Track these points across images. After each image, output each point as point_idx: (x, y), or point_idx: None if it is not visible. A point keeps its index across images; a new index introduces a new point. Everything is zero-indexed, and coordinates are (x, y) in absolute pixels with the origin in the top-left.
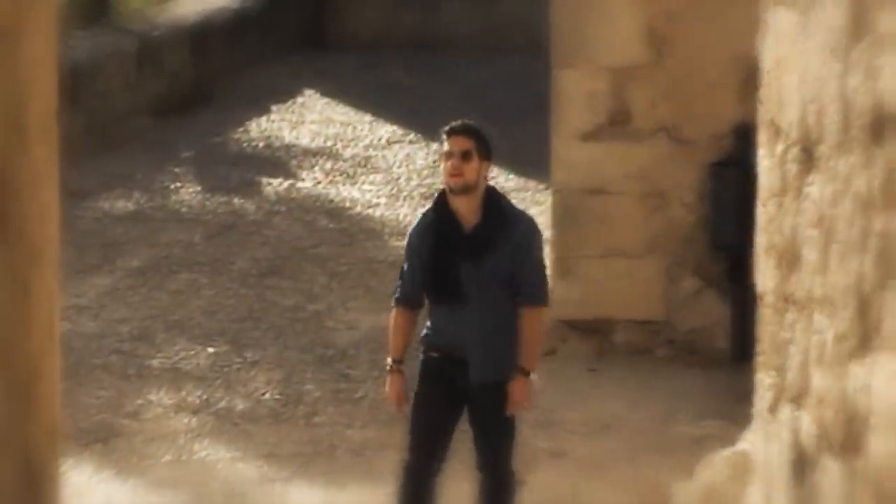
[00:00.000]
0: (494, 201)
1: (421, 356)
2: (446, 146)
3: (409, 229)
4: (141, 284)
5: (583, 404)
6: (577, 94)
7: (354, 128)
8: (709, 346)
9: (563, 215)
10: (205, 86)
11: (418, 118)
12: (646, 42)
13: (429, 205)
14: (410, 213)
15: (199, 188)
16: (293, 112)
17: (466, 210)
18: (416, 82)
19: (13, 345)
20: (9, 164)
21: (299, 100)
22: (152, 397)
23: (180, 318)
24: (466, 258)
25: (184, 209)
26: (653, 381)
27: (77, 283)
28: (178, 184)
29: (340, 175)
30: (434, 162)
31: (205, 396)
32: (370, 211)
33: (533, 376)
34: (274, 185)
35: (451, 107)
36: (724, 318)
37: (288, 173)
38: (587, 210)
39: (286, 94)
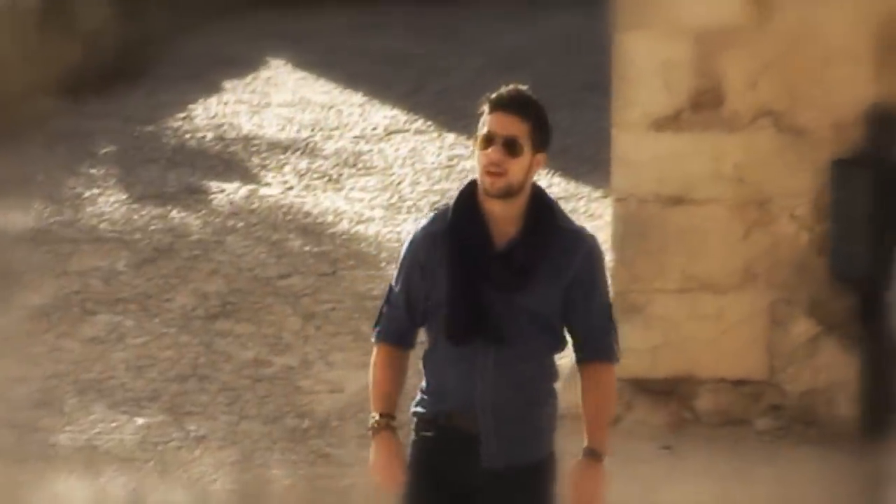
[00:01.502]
0: (543, 209)
1: (412, 436)
2: (485, 125)
3: (413, 233)
4: (44, 330)
5: (653, 497)
6: (648, 67)
7: (340, 113)
8: (829, 414)
9: (628, 233)
10: (133, 54)
11: (427, 99)
12: None
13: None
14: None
15: (123, 196)
16: (254, 91)
17: (503, 217)
18: (425, 50)
19: None
20: None
21: (263, 73)
22: (60, 488)
23: (98, 377)
24: (498, 286)
25: (102, 226)
26: (750, 465)
27: None
28: (95, 190)
29: (320, 178)
30: (450, 160)
31: (132, 485)
32: (361, 228)
33: (606, 461)
34: (228, 193)
35: (472, 84)
36: (852, 376)
37: (247, 176)
38: (661, 226)
39: (245, 65)
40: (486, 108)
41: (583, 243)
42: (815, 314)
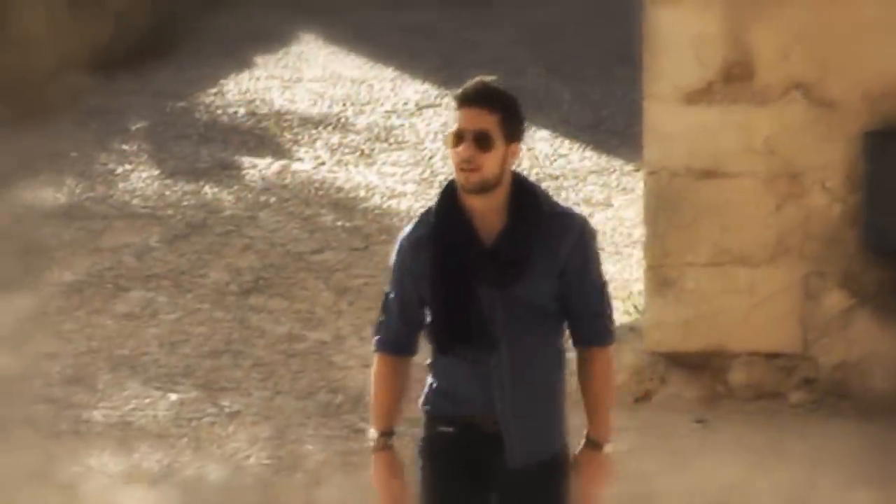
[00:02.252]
0: (527, 197)
1: (423, 431)
2: (455, 122)
3: (400, 239)
4: (77, 307)
5: (687, 470)
6: (679, 40)
7: (371, 87)
8: (863, 387)
9: (660, 207)
10: (163, 30)
11: (458, 73)
12: None
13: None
14: None
15: (155, 172)
16: (286, 66)
17: (485, 212)
18: (456, 24)
19: None
20: None
21: (294, 49)
22: (93, 462)
23: (131, 353)
24: (489, 283)
25: (135, 202)
26: (784, 438)
27: None
28: (127, 166)
29: (352, 153)
30: None
31: (166, 461)
32: (393, 202)
33: (608, 449)
34: (260, 168)
35: (502, 58)
36: (886, 349)
37: (279, 151)
38: (693, 199)
39: (275, 40)
40: (455, 104)
41: (572, 225)
42: (848, 286)
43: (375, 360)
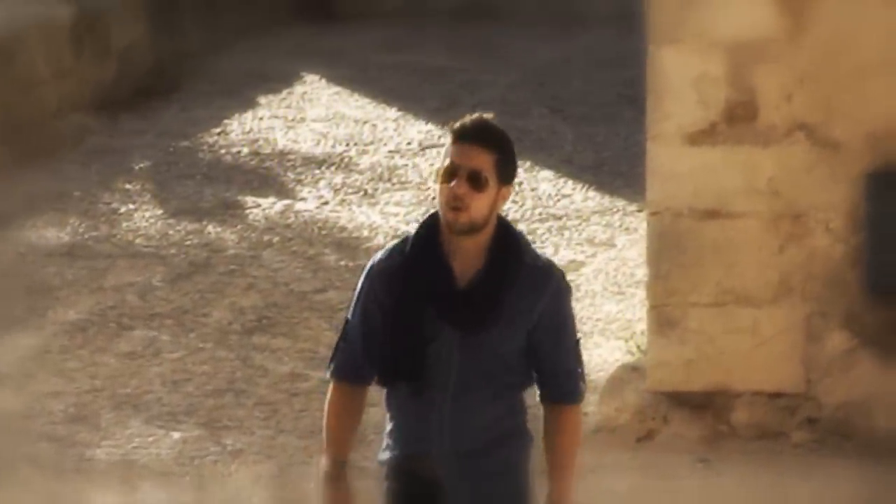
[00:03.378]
0: (509, 244)
1: (384, 486)
2: (448, 157)
3: (370, 264)
4: (80, 345)
5: None
6: (682, 81)
7: (374, 127)
8: (866, 427)
9: (663, 247)
10: (167, 70)
11: (461, 114)
12: (778, 7)
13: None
14: None
15: (159, 212)
16: (289, 106)
17: (465, 252)
18: (460, 65)
19: None
20: None
21: (298, 89)
22: (97, 500)
23: (134, 392)
24: (454, 325)
25: (138, 241)
26: (787, 478)
27: None
28: (131, 206)
29: (355, 193)
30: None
31: (169, 500)
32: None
33: None
34: (263, 208)
35: (506, 98)
36: (888, 389)
37: (282, 191)
38: (696, 239)
39: (280, 80)
40: (450, 139)
41: (550, 281)
42: (851, 327)
43: (331, 388)
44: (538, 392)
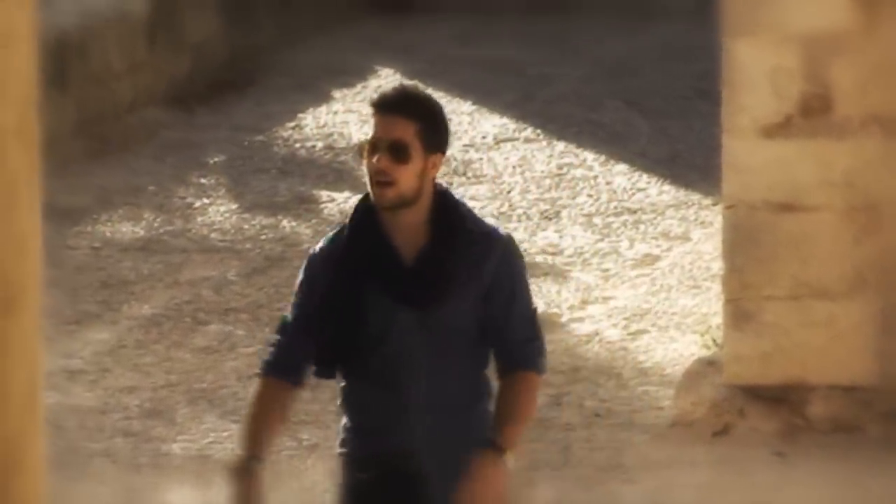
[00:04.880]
0: (450, 213)
1: (340, 477)
2: (371, 130)
3: (310, 252)
4: (155, 340)
5: (766, 503)
6: (757, 74)
7: (449, 121)
8: None
9: (739, 240)
10: (242, 64)
11: (536, 108)
12: (853, 0)
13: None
14: (526, 239)
15: (234, 206)
16: (364, 100)
17: (405, 228)
18: (533, 59)
19: None
20: None
21: (372, 83)
22: (172, 496)
23: (209, 387)
24: (408, 305)
25: (213, 235)
26: (864, 472)
27: (68, 338)
28: (206, 200)
29: None
30: (559, 168)
31: None
32: None
33: (508, 459)
34: (338, 202)
35: (581, 92)
36: None
37: (357, 185)
38: (772, 233)
39: (354, 74)
40: (371, 110)
41: (496, 245)
42: None
43: (258, 383)
44: (497, 369)
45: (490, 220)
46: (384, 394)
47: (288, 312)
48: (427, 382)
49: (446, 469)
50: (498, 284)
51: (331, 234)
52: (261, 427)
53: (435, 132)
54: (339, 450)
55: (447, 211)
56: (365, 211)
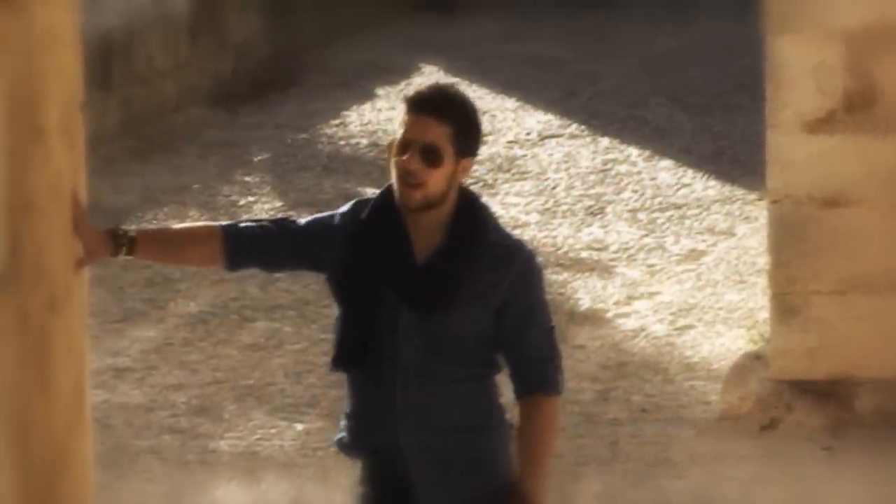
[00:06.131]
0: (472, 220)
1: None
2: (401, 128)
3: (338, 211)
4: (202, 338)
5: (814, 499)
6: (801, 69)
7: (493, 118)
8: None
9: (784, 235)
10: (285, 62)
11: (580, 104)
12: None
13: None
14: (572, 235)
15: (278, 204)
16: None
17: (424, 227)
18: (577, 55)
19: (28, 422)
20: (19, 177)
21: (416, 80)
22: (220, 493)
23: (257, 384)
24: (414, 308)
25: None
26: None
27: (115, 336)
28: (251, 198)
29: (474, 183)
30: (604, 164)
31: (293, 492)
32: (516, 233)
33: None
34: None
35: (624, 88)
36: None
37: None
38: (817, 227)
39: (398, 72)
40: (402, 107)
41: (515, 260)
42: None
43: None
44: (513, 390)
45: (514, 235)
46: (375, 390)
47: (303, 241)
48: (416, 387)
49: (435, 469)
50: (513, 300)
51: (355, 204)
52: (168, 231)
53: (468, 136)
54: (338, 435)
55: (469, 217)
56: (387, 202)
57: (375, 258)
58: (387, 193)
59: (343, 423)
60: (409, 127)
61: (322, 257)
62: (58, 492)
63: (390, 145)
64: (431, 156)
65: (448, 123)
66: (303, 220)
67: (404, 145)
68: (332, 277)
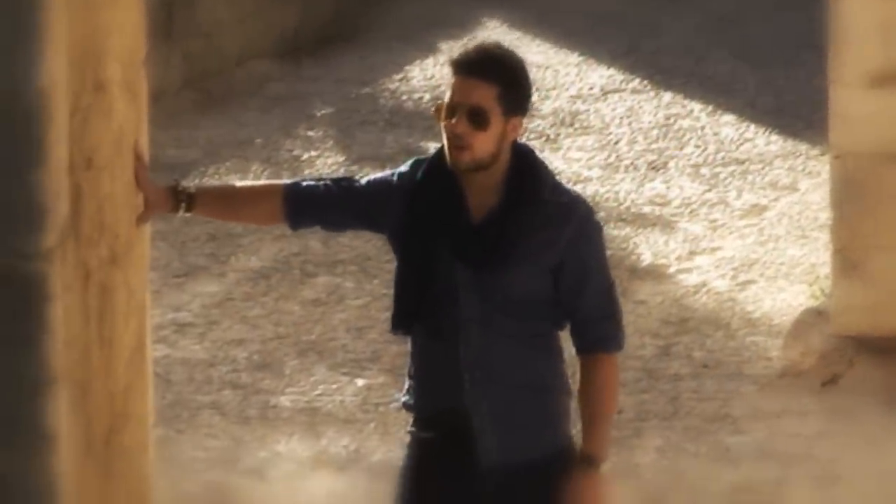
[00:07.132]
0: (527, 178)
1: (408, 435)
2: (448, 91)
3: (400, 169)
4: (263, 293)
5: (876, 454)
6: (865, 24)
7: (556, 73)
8: None
9: (847, 191)
10: (348, 16)
11: (644, 59)
12: None
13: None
14: (634, 190)
15: (341, 159)
16: None
17: (478, 188)
18: (639, 10)
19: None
20: (82, 130)
21: (479, 34)
22: (281, 447)
23: (318, 339)
24: (465, 264)
25: None
26: None
27: (176, 291)
28: (313, 153)
29: (537, 138)
30: (667, 119)
31: (353, 446)
32: (578, 187)
33: (604, 468)
34: None
35: (688, 43)
36: None
37: None
38: (880, 183)
39: (460, 26)
40: (448, 70)
41: (571, 219)
42: None
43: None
44: (574, 346)
45: (572, 189)
46: (438, 349)
47: (364, 203)
48: (478, 343)
49: (499, 427)
50: (571, 259)
51: (413, 163)
52: (230, 188)
53: (516, 95)
54: (402, 398)
55: (524, 175)
56: (441, 163)
57: (432, 218)
58: (440, 154)
59: (407, 384)
60: (456, 90)
61: (381, 220)
62: (118, 447)
63: (438, 108)
64: (478, 118)
65: (494, 83)
66: (363, 180)
67: (451, 108)
68: (392, 237)
